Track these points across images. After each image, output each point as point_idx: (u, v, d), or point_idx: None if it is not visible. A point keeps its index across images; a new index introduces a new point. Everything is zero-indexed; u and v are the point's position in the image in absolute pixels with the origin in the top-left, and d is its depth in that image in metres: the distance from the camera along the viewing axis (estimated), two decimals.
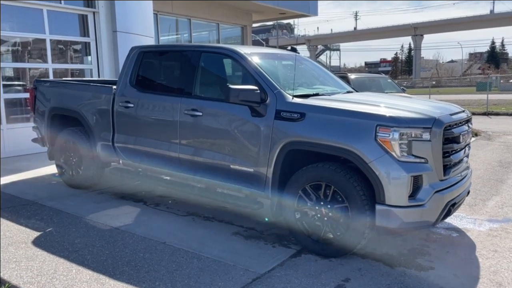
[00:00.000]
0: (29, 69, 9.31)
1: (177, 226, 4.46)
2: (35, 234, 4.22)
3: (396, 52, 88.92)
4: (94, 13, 9.31)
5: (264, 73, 4.16)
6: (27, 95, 7.69)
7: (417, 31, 66.70)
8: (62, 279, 3.30)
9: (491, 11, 65.13)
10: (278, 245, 3.96)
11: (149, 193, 5.66)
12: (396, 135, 3.36)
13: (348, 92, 4.86)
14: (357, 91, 5.15)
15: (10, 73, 9.04)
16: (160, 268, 3.47)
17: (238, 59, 4.36)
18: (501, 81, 42.35)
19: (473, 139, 9.76)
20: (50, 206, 5.07)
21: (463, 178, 3.95)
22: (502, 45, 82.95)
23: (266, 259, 3.66)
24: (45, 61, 8.84)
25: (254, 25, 19.31)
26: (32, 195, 5.51)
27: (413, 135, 3.41)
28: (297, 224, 3.80)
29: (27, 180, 6.38)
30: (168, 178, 4.98)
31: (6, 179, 6.30)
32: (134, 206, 5.13)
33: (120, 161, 5.40)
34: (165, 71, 5.48)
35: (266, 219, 4.29)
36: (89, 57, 9.66)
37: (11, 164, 7.27)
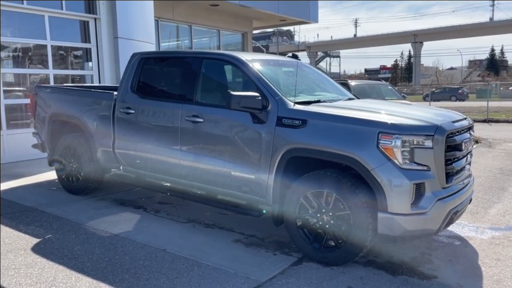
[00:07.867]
0: (30, 74, 9.31)
1: (177, 233, 4.43)
2: (35, 240, 4.19)
3: (396, 59, 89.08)
4: (95, 19, 9.33)
5: (266, 79, 4.15)
6: (27, 100, 7.68)
7: (417, 38, 66.99)
8: (61, 286, 3.27)
9: (491, 19, 65.53)
10: (279, 253, 3.93)
11: (149, 199, 5.63)
12: (398, 143, 3.35)
13: (350, 99, 4.86)
14: (358, 98, 5.15)
15: (10, 78, 9.04)
16: (160, 276, 3.44)
17: (239, 65, 4.36)
18: (501, 88, 42.44)
19: (474, 146, 9.75)
20: (50, 213, 5.04)
21: (465, 186, 3.93)
22: (502, 52, 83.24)
23: (267, 266, 3.63)
24: (46, 67, 8.85)
25: (255, 31, 19.38)
26: (32, 201, 5.49)
27: (415, 143, 3.39)
28: (298, 231, 3.78)
29: (26, 186, 6.35)
30: (168, 184, 4.96)
31: (5, 185, 6.27)
32: (134, 212, 5.10)
33: (121, 167, 5.38)
34: (166, 78, 5.47)
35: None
36: (90, 63, 9.67)
37: (11, 170, 7.25)
